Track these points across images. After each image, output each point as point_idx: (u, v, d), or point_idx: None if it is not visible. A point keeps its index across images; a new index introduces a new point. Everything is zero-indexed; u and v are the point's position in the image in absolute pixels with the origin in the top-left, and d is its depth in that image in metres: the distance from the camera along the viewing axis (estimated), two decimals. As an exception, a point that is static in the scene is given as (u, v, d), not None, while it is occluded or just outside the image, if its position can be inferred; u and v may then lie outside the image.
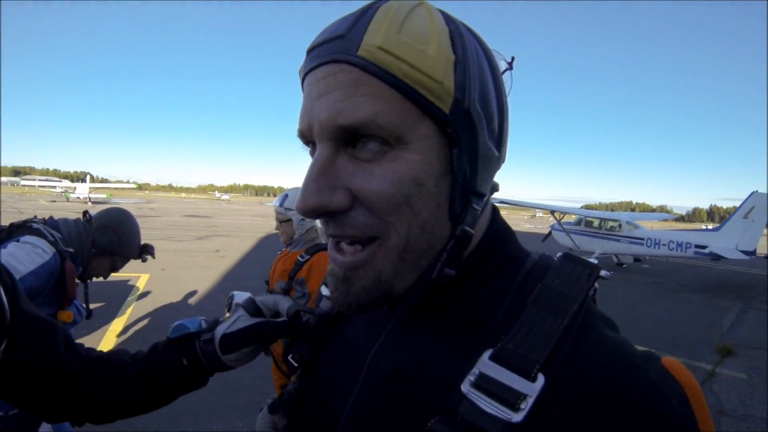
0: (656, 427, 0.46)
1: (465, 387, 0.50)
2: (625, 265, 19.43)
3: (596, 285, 0.58)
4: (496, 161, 0.59)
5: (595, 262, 0.59)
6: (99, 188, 62.75)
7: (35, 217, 2.16)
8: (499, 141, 0.60)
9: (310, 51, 0.56)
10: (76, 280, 2.14)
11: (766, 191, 16.11)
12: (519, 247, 0.66)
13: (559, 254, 0.62)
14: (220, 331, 0.86)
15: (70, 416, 0.85)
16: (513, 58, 0.65)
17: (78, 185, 58.70)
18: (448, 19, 0.56)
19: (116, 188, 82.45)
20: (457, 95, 0.52)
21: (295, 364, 0.81)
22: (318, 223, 2.60)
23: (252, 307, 0.91)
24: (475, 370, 0.51)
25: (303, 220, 3.01)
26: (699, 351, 7.64)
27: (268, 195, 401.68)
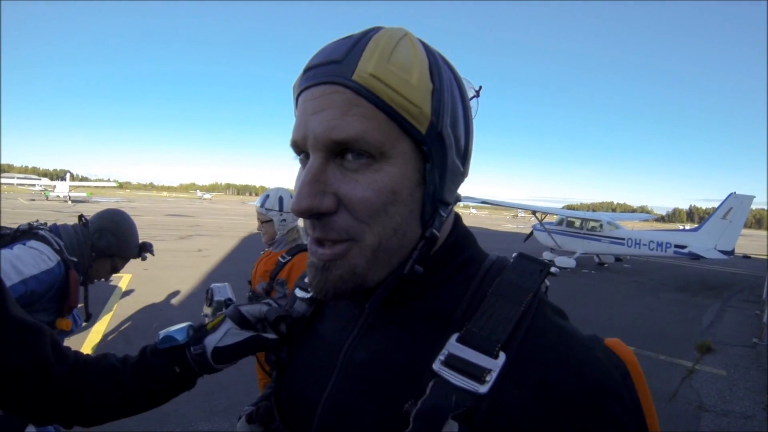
0: (601, 397, 0.54)
1: (436, 366, 0.57)
2: (606, 265, 19.66)
3: (547, 282, 0.67)
4: (461, 175, 0.69)
5: (547, 260, 0.65)
6: (79, 186, 61.65)
7: (38, 221, 2.16)
8: (465, 158, 0.68)
9: (307, 70, 0.62)
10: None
11: (743, 193, 16.38)
12: (479, 249, 0.74)
13: (514, 254, 0.70)
14: (210, 343, 0.86)
15: (58, 419, 0.85)
16: (480, 87, 0.74)
17: (57, 183, 57.77)
18: (428, 51, 0.64)
19: (97, 187, 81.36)
20: (433, 119, 0.60)
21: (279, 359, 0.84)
22: (300, 223, 2.62)
23: (238, 318, 0.91)
24: (444, 351, 0.58)
25: (284, 220, 3.04)
26: (679, 348, 7.77)
27: (250, 194, 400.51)
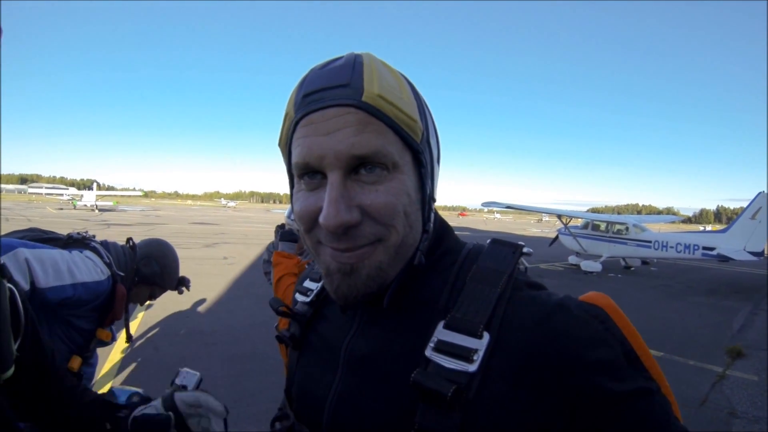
0: (585, 348, 0.61)
1: (428, 352, 0.64)
2: (632, 268, 19.43)
3: (525, 263, 0.75)
4: (437, 176, 0.77)
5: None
6: (106, 196, 62.95)
7: (86, 232, 2.24)
8: (439, 161, 0.78)
9: (308, 95, 0.66)
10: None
11: (772, 192, 16.00)
12: (456, 239, 0.81)
13: (488, 240, 0.77)
14: (137, 411, 1.11)
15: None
16: None
17: (85, 193, 59.12)
18: (398, 72, 0.72)
19: (123, 196, 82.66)
20: (423, 130, 0.69)
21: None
22: None
23: (169, 402, 1.13)
24: (434, 338, 0.65)
25: None
26: (709, 353, 7.62)
27: (274, 202, 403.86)
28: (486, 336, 0.62)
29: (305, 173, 0.67)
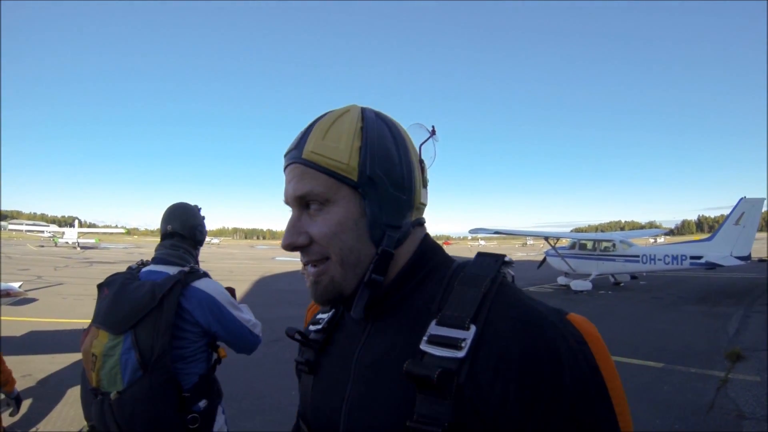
0: (552, 355, 0.69)
1: (422, 345, 0.73)
2: (622, 284, 19.55)
3: (511, 272, 0.86)
4: (405, 203, 0.88)
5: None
6: (87, 233, 62.11)
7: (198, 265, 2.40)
8: (403, 188, 0.88)
9: (286, 154, 0.90)
10: None
11: (753, 196, 16.38)
12: (446, 257, 0.92)
13: (475, 254, 0.88)
14: None
15: None
16: (433, 126, 0.98)
17: (66, 230, 58.87)
18: (365, 117, 0.88)
19: (105, 233, 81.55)
20: (361, 168, 0.83)
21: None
22: None
23: None
24: (427, 333, 0.74)
25: None
26: (709, 359, 7.69)
27: (258, 238, 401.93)
28: (473, 327, 0.71)
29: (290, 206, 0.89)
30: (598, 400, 0.69)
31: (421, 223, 0.93)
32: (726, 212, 17.45)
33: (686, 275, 22.16)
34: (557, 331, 0.71)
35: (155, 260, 2.32)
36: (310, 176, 0.83)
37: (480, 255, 0.86)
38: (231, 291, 2.40)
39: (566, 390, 0.67)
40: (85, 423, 2.01)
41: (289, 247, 0.85)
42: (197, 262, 2.48)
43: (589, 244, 19.59)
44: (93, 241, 63.10)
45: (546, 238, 20.76)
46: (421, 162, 0.93)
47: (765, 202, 16.62)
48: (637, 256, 17.86)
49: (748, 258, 16.55)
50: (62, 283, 18.28)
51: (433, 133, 0.96)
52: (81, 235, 56.45)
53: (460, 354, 0.69)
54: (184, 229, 2.43)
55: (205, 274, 2.26)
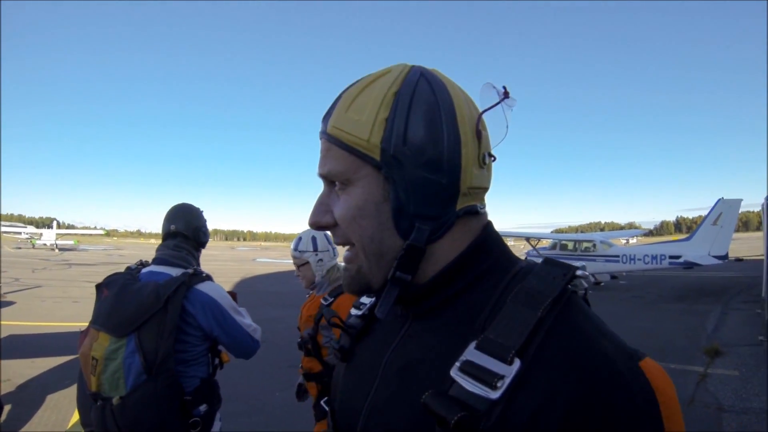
0: (617, 417, 0.54)
1: (453, 372, 0.60)
2: (602, 284, 19.68)
3: (585, 284, 0.71)
4: (445, 188, 0.72)
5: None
6: (66, 234, 60.87)
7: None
8: (447, 170, 0.72)
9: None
10: None
11: (731, 197, 16.73)
12: (507, 257, 0.77)
13: (541, 260, 0.72)
14: None
15: None
16: (505, 88, 0.78)
17: (44, 231, 57.72)
18: (406, 80, 0.74)
19: (84, 234, 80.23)
20: (383, 145, 0.70)
21: (325, 409, 0.95)
22: (339, 260, 2.60)
23: None
24: (462, 358, 0.61)
25: (320, 260, 2.91)
26: (689, 355, 7.85)
27: (238, 239, 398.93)
28: (517, 363, 0.57)
29: None
30: None
31: (474, 211, 0.76)
32: (704, 213, 17.77)
33: (665, 274, 22.46)
34: (624, 384, 0.56)
35: (157, 261, 2.28)
36: (332, 154, 0.74)
37: (547, 263, 0.70)
38: (233, 296, 2.37)
39: None
40: (67, 427, 1.98)
41: (314, 225, 0.79)
42: (199, 264, 2.43)
43: (570, 245, 19.82)
44: (72, 242, 62.06)
45: (527, 239, 20.93)
46: (480, 134, 0.75)
47: (742, 203, 16.93)
48: (617, 256, 18.10)
49: (725, 257, 16.86)
50: (41, 285, 17.92)
51: (505, 96, 0.77)
52: (59, 236, 55.39)
53: (494, 395, 0.56)
54: (187, 229, 2.40)
55: (208, 277, 2.23)
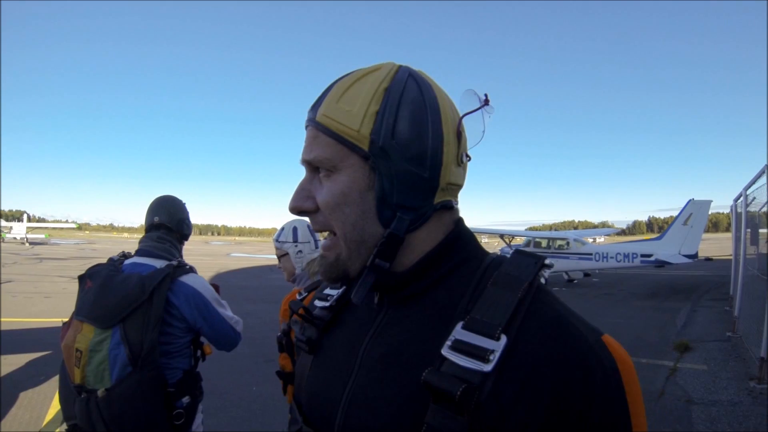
0: (593, 380, 0.63)
1: (444, 350, 0.66)
2: (575, 281, 20.02)
3: (546, 274, 0.83)
4: (427, 181, 0.77)
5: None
6: (37, 228, 59.48)
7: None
8: (429, 165, 0.76)
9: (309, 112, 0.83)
10: None
11: (701, 198, 17.13)
12: (479, 248, 0.84)
13: (512, 251, 0.81)
14: None
15: None
16: (487, 96, 0.83)
17: (14, 225, 56.63)
18: (395, 78, 0.78)
19: (55, 228, 78.66)
20: (373, 137, 0.74)
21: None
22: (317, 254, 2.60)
23: None
24: (451, 337, 0.66)
25: (300, 251, 2.83)
26: (659, 350, 8.05)
27: (212, 234, 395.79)
28: (503, 338, 0.63)
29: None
30: None
31: (449, 206, 0.82)
32: (675, 213, 18.17)
33: (637, 273, 22.89)
34: (595, 357, 0.65)
35: (140, 252, 2.28)
36: (320, 141, 0.76)
37: (518, 253, 0.78)
38: (216, 288, 2.38)
39: (593, 425, 0.62)
40: (42, 426, 1.95)
41: (295, 210, 0.80)
42: (182, 256, 2.43)
43: (544, 242, 20.03)
44: (43, 236, 60.40)
45: (501, 236, 21.14)
46: (460, 135, 0.81)
47: (712, 204, 17.33)
48: (590, 254, 18.39)
49: (695, 256, 17.31)
50: (11, 280, 17.50)
51: (485, 103, 0.82)
52: (30, 230, 54.08)
53: (487, 368, 0.61)
54: (171, 221, 2.40)
55: (192, 269, 2.24)
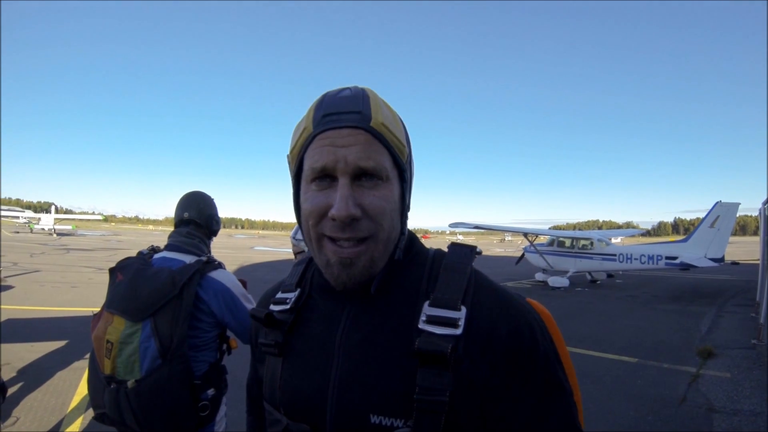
0: (530, 325, 0.84)
1: (421, 324, 0.81)
2: (599, 282, 19.86)
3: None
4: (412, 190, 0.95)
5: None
6: (64, 219, 60.31)
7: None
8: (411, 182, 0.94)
9: (327, 116, 0.83)
10: None
11: (729, 201, 16.79)
12: (423, 246, 1.00)
13: (448, 244, 0.96)
14: None
15: None
16: None
17: (42, 216, 57.55)
18: (391, 107, 0.90)
19: (82, 220, 79.81)
20: (408, 153, 0.89)
21: None
22: None
23: None
24: (423, 314, 0.82)
25: None
26: (682, 356, 7.92)
27: (236, 227, 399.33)
28: (463, 308, 0.82)
29: (317, 177, 0.83)
30: (558, 364, 0.86)
31: None
32: (702, 215, 17.82)
33: (661, 275, 22.62)
34: (530, 313, 0.87)
35: (169, 247, 2.32)
36: (377, 149, 0.82)
37: (455, 245, 0.95)
38: (243, 283, 2.41)
39: (539, 358, 0.83)
40: (67, 411, 2.00)
41: (349, 218, 0.79)
42: (210, 252, 2.47)
43: (568, 242, 19.80)
44: (70, 227, 61.66)
45: (525, 235, 20.95)
46: None
47: (740, 206, 16.97)
48: (614, 255, 18.15)
49: (721, 260, 16.93)
50: (39, 270, 17.97)
51: None
52: (57, 221, 55.03)
53: (458, 332, 0.79)
54: (200, 217, 2.43)
55: (220, 265, 2.27)
